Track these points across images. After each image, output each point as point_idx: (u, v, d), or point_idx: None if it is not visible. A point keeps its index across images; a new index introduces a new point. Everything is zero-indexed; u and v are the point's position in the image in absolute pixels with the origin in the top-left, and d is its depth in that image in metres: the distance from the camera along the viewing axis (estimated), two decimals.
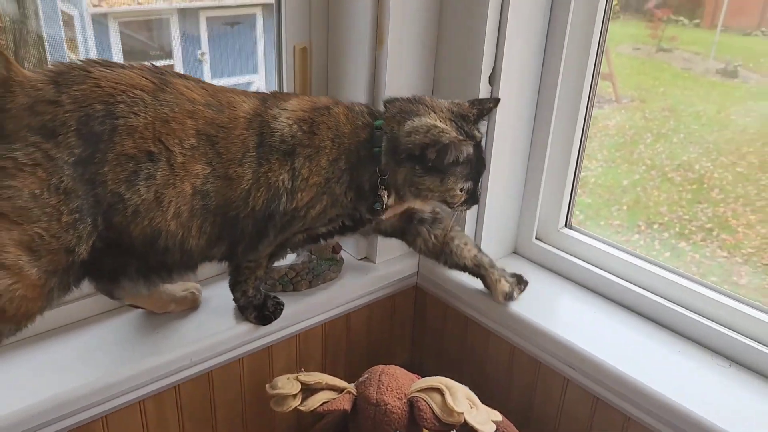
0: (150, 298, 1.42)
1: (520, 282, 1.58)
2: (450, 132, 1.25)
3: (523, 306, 1.52)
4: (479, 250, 1.55)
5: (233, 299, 1.51)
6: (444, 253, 1.54)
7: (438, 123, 1.27)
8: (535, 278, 1.69)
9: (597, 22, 1.59)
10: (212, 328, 1.45)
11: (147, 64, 1.19)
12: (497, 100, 1.38)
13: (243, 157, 1.24)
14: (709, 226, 4.17)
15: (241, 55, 2.25)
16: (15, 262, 0.99)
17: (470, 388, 1.49)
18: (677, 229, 4.17)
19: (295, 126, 1.28)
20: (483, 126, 1.42)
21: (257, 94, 1.34)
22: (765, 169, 4.28)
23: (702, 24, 6.23)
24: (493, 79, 1.62)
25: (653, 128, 5.01)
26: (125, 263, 1.18)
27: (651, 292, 1.52)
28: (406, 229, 1.52)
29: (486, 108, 1.36)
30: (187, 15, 2.64)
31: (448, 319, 1.76)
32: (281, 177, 1.26)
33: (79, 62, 1.11)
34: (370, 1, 1.54)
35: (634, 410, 1.33)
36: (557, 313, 1.52)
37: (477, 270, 1.55)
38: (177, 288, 1.53)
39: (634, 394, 1.32)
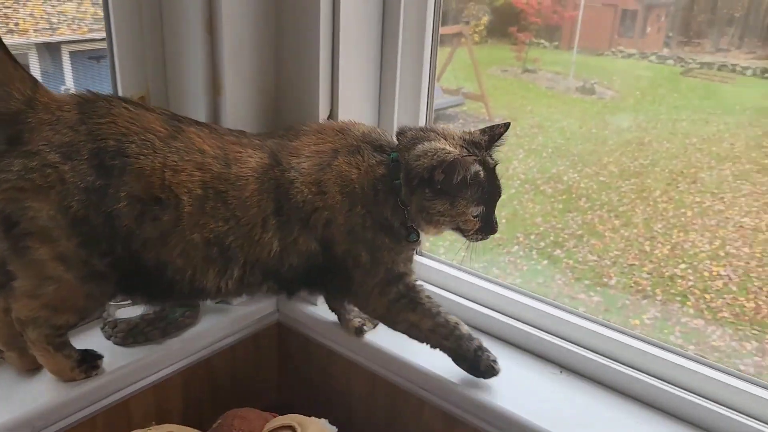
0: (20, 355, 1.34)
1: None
2: (454, 150, 1.23)
3: (380, 336, 1.57)
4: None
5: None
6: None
7: (447, 146, 1.25)
8: None
9: (426, 46, 1.65)
10: (56, 385, 1.39)
11: (167, 110, 1.26)
12: (507, 125, 1.33)
13: (264, 223, 1.24)
14: (579, 232, 4.47)
15: (108, 90, 2.16)
16: (54, 272, 1.13)
17: (335, 421, 1.51)
18: (552, 238, 4.44)
19: (305, 190, 1.27)
20: (497, 152, 1.37)
21: (265, 142, 1.31)
22: (624, 176, 4.65)
23: (560, 46, 6.70)
24: (333, 117, 1.68)
25: (524, 144, 5.34)
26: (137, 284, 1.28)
27: (495, 311, 1.61)
28: None
29: (497, 133, 1.32)
30: (49, 50, 2.51)
31: (312, 353, 1.78)
32: (311, 245, 1.29)
33: (106, 96, 1.18)
34: (204, 50, 1.56)
35: (485, 425, 1.41)
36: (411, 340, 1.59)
37: (338, 308, 1.60)
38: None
39: (483, 411, 1.39)
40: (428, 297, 1.36)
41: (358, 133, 1.33)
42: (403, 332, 1.36)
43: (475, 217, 1.27)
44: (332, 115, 1.65)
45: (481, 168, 1.24)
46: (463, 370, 1.38)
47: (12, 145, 1.07)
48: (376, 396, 1.62)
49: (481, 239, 1.32)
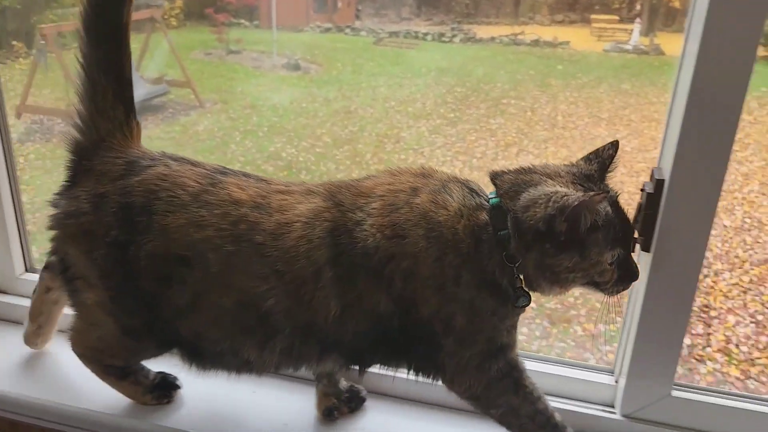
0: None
1: (352, 401, 1.27)
2: (574, 192, 0.98)
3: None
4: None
5: None
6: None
7: (558, 187, 1.00)
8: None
9: None
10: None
11: (216, 165, 1.09)
12: (616, 145, 1.08)
13: (316, 277, 0.99)
14: None
15: None
16: (97, 318, 1.11)
17: None
18: None
19: (377, 233, 0.99)
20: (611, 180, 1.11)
21: (324, 186, 1.07)
22: (338, 145, 4.92)
23: (261, 25, 6.75)
24: None
25: (240, 126, 5.31)
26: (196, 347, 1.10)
27: None
28: None
29: (607, 157, 1.07)
30: None
31: None
32: (383, 304, 1.00)
33: (157, 154, 1.10)
34: None
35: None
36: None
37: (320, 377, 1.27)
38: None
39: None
40: (530, 377, 1.10)
41: (443, 176, 1.08)
42: (497, 418, 1.09)
43: (611, 264, 1.01)
44: None
45: (607, 204, 1.00)
46: None
47: (73, 183, 1.09)
48: None
49: (622, 290, 1.05)
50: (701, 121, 0.96)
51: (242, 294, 1.00)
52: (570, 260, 0.98)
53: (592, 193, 0.94)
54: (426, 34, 7.20)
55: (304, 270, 0.98)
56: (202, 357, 1.09)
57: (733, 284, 3.03)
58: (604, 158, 1.06)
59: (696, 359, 2.63)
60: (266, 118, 5.16)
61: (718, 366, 2.60)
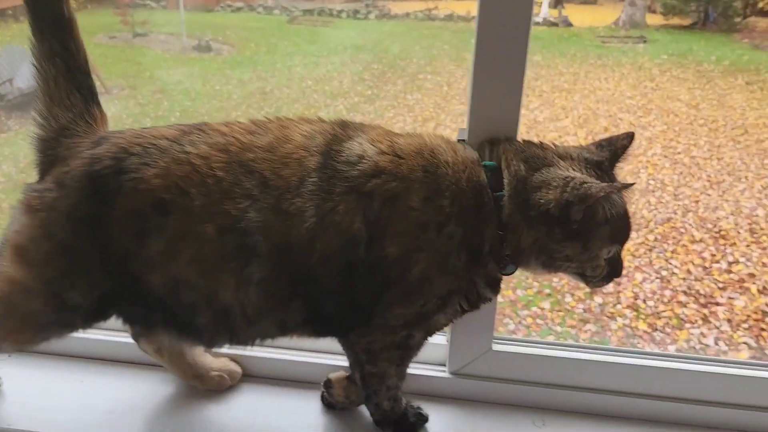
0: (172, 362, 1.24)
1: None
2: (597, 182, 0.93)
3: None
4: None
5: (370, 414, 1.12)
6: None
7: (573, 173, 0.95)
8: None
9: None
10: None
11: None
12: (631, 136, 1.04)
13: (300, 184, 0.94)
14: None
15: None
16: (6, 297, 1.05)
17: None
18: None
19: (369, 147, 0.96)
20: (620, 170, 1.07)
21: (339, 121, 1.04)
22: None
23: (168, 6, 6.48)
24: None
25: (150, 112, 5.11)
26: (151, 314, 1.05)
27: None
28: None
29: (620, 147, 1.03)
30: None
31: None
32: (355, 224, 0.93)
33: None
34: None
35: None
36: None
37: None
38: (211, 363, 1.25)
39: None
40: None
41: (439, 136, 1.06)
42: (364, 372, 1.08)
43: (605, 259, 1.00)
44: None
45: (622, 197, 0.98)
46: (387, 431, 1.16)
47: (43, 176, 1.05)
48: None
49: (604, 286, 1.05)
50: (490, 80, 1.01)
51: (225, 218, 0.95)
52: (572, 249, 0.96)
53: (617, 184, 0.92)
54: (341, 11, 7.11)
55: (292, 177, 0.94)
56: (174, 318, 1.04)
57: (640, 243, 3.19)
58: (617, 147, 1.04)
59: (607, 317, 2.76)
60: (178, 103, 4.99)
61: (627, 321, 2.74)
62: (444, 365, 1.19)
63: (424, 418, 1.15)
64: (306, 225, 0.93)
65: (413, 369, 1.14)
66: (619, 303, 2.82)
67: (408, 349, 1.06)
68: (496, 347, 1.16)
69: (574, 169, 0.97)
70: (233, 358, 1.26)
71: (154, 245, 0.98)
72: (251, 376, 1.26)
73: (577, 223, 0.94)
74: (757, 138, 4.28)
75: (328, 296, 1.00)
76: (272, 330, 1.05)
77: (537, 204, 0.94)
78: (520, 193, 0.95)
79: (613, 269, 1.02)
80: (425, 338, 1.06)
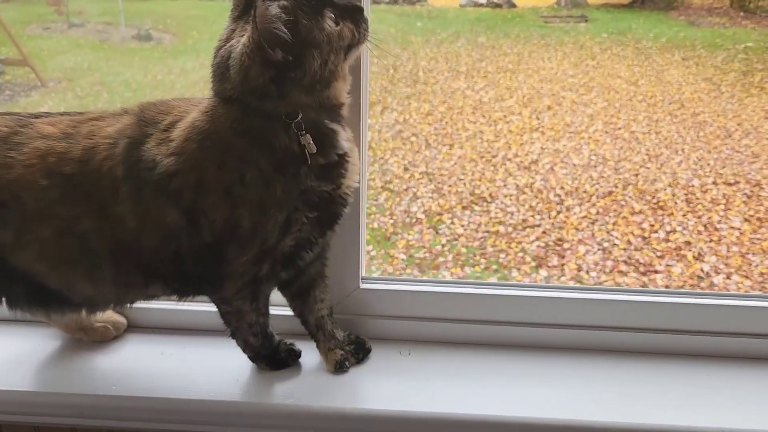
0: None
1: (359, 350, 1.21)
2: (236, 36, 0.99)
3: None
4: (330, 312, 1.20)
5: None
6: (301, 297, 1.19)
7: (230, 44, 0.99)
8: None
9: None
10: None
11: (32, 113, 1.07)
12: None
13: (116, 192, 1.00)
14: None
15: None
16: None
17: None
18: None
19: (155, 150, 0.99)
20: None
21: (142, 105, 1.05)
22: None
23: None
24: None
25: (89, 105, 4.95)
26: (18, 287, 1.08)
27: None
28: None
29: None
30: None
31: None
32: (169, 217, 1.00)
33: None
34: None
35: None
36: None
37: (315, 331, 1.20)
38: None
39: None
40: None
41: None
42: (221, 313, 1.13)
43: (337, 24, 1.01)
44: None
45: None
46: (262, 366, 1.20)
47: None
48: None
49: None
50: None
51: (60, 221, 1.02)
52: (312, 58, 0.95)
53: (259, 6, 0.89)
54: None
55: (107, 188, 1.00)
56: (45, 296, 1.09)
57: (583, 217, 3.28)
58: None
59: None
60: (118, 94, 4.85)
61: None
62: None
63: (297, 353, 1.21)
64: (130, 226, 1.01)
65: (290, 311, 1.21)
66: (563, 275, 2.89)
67: (257, 284, 1.09)
68: (363, 286, 1.25)
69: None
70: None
71: (4, 235, 1.03)
72: (136, 326, 1.31)
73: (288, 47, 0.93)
74: (692, 112, 4.43)
75: (175, 277, 1.08)
76: (142, 299, 1.15)
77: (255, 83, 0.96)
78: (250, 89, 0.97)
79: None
80: (276, 267, 1.08)
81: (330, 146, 1.01)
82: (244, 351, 1.18)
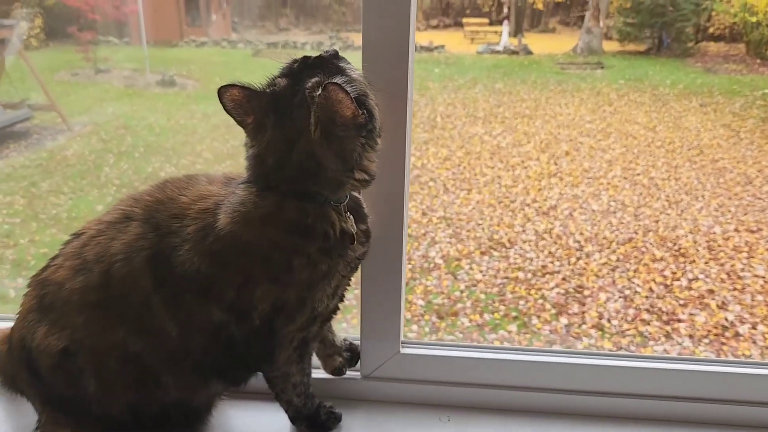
0: None
1: (354, 359, 1.26)
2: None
3: None
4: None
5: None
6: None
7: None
8: None
9: None
10: None
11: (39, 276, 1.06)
12: None
13: (149, 307, 0.99)
14: None
15: None
16: None
17: None
18: None
19: (196, 259, 0.97)
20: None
21: (143, 205, 1.01)
22: (219, 160, 4.81)
23: (131, 41, 6.48)
24: None
25: (113, 148, 5.06)
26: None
27: None
28: None
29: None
30: None
31: None
32: (214, 315, 0.99)
33: None
34: None
35: None
36: None
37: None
38: None
39: None
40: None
41: (237, 178, 1.04)
42: (269, 379, 1.13)
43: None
44: None
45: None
46: (301, 428, 1.21)
47: None
48: None
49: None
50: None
51: (115, 349, 1.02)
52: (371, 102, 0.94)
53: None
54: (305, 43, 7.19)
55: (138, 303, 0.99)
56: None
57: (603, 263, 3.24)
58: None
59: (573, 337, 2.78)
60: (142, 138, 4.96)
61: (593, 341, 2.76)
62: (357, 370, 1.26)
63: (337, 416, 1.20)
64: (174, 334, 1.00)
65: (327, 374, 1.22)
66: (584, 323, 2.85)
67: (305, 345, 1.10)
68: (404, 350, 1.22)
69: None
70: None
71: (88, 383, 1.03)
72: None
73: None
74: (711, 158, 4.42)
75: (229, 366, 1.08)
76: (205, 400, 1.13)
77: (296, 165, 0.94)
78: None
79: None
80: (323, 325, 1.10)
81: (363, 215, 1.03)
82: (287, 411, 1.18)
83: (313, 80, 0.90)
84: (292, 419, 1.19)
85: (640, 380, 1.18)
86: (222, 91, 0.89)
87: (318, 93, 0.87)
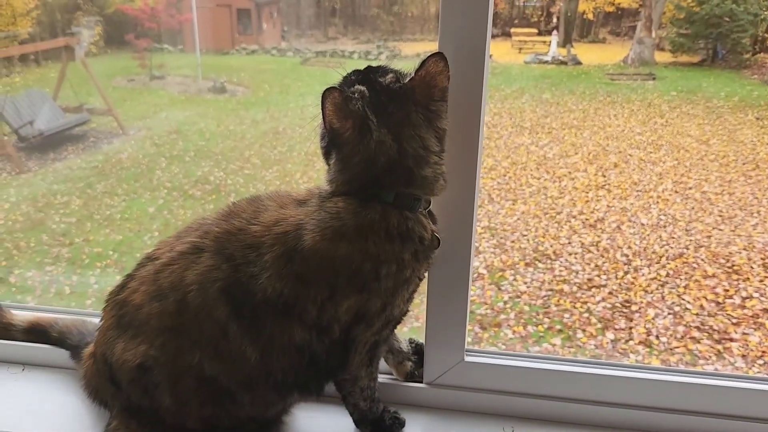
0: None
1: (422, 360, 1.25)
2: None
3: None
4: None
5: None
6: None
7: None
8: None
9: None
10: None
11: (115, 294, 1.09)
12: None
13: (226, 334, 1.00)
14: None
15: None
16: None
17: None
18: None
19: (278, 284, 0.97)
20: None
21: (213, 237, 1.02)
22: (267, 166, 4.90)
23: (185, 49, 6.67)
24: None
25: (165, 152, 5.21)
26: None
27: None
28: None
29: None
30: None
31: None
32: (296, 335, 1.00)
33: None
34: None
35: None
36: None
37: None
38: None
39: None
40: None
41: (317, 193, 1.05)
42: (338, 383, 1.14)
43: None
44: None
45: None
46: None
47: None
48: None
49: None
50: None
51: (190, 370, 1.02)
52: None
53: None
54: (353, 52, 7.27)
55: (213, 331, 1.00)
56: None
57: (652, 279, 3.17)
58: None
59: (620, 353, 2.72)
60: (193, 143, 5.09)
61: (640, 358, 2.70)
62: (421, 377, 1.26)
63: (401, 422, 1.19)
64: (253, 359, 1.01)
65: (392, 380, 1.22)
66: (631, 339, 2.79)
67: (376, 348, 1.10)
68: (468, 359, 1.21)
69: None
70: None
71: (162, 398, 1.06)
72: None
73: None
74: None
75: (309, 380, 1.08)
76: (281, 413, 1.14)
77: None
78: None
79: None
80: (394, 328, 1.12)
81: (435, 220, 1.03)
82: (352, 414, 1.18)
83: (390, 75, 0.93)
84: (357, 423, 1.18)
85: (713, 398, 1.15)
86: (326, 94, 0.88)
87: (415, 71, 0.90)
